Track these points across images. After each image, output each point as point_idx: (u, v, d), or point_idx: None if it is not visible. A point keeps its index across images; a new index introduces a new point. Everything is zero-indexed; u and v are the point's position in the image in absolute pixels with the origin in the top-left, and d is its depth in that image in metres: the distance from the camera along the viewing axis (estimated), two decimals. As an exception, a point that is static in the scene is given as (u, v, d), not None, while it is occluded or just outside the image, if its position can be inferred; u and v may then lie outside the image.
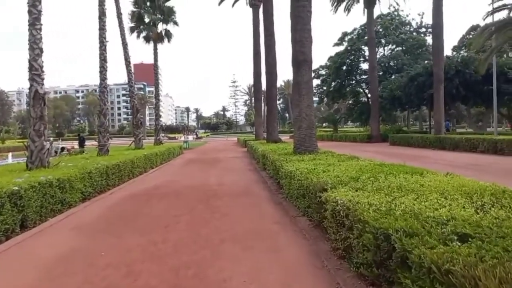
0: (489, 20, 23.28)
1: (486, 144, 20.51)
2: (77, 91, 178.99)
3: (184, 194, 10.91)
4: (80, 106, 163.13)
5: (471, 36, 56.43)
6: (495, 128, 25.36)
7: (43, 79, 10.83)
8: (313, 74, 13.45)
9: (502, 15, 19.48)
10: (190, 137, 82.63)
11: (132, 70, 24.10)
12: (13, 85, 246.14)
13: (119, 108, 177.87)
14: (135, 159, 16.25)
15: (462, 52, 38.64)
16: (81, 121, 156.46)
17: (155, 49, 31.33)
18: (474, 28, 57.84)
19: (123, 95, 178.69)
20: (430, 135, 27.88)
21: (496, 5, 19.54)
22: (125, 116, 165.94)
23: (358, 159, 10.66)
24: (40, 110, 10.58)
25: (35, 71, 10.63)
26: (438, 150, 24.42)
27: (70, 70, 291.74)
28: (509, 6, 18.51)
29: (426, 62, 39.38)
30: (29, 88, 10.78)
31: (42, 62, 10.86)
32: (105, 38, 17.88)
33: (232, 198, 10.06)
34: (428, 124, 46.19)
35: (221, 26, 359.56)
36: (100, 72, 17.77)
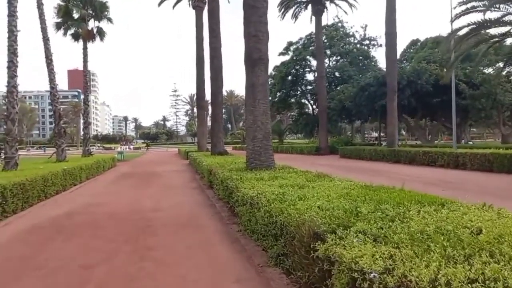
0: (457, 24, 22.53)
1: (447, 158, 19.35)
2: (4, 98, 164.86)
3: (105, 227, 8.08)
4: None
5: (411, 50, 57.82)
6: (454, 141, 24.57)
7: None
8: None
9: (470, 18, 18.75)
10: (125, 148, 77.86)
11: (54, 70, 20.53)
12: None
13: (50, 116, 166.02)
14: (49, 176, 13.01)
15: (404, 65, 38.49)
16: None
17: (85, 48, 27.59)
18: (414, 42, 59.46)
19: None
20: (384, 148, 26.74)
21: (460, 9, 18.68)
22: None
23: (332, 179, 8.51)
24: None
25: None
26: (393, 164, 23.19)
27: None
28: (479, 9, 17.63)
29: (377, 71, 38.84)
30: None
31: None
32: (15, 27, 14.53)
33: (171, 233, 7.41)
34: (371, 136, 45.97)
35: (162, 31, 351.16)
36: (9, 68, 14.36)
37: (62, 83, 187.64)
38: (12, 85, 14.30)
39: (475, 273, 2.61)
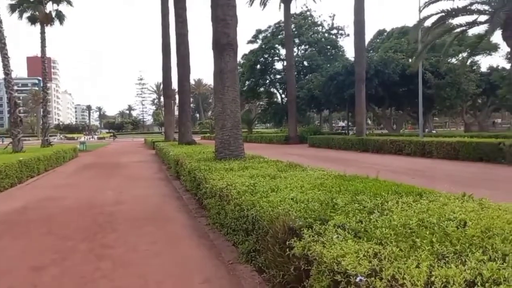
0: (426, 12, 22.55)
1: (413, 147, 19.54)
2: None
3: (61, 223, 7.46)
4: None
5: (378, 40, 58.50)
6: (421, 130, 24.86)
7: None
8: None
9: (439, 7, 18.77)
10: (87, 138, 75.35)
11: (8, 55, 19.21)
12: None
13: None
14: (2, 167, 12.11)
15: (370, 54, 38.77)
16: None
17: (43, 32, 26.01)
18: (381, 32, 60.17)
19: (16, 90, 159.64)
20: (353, 137, 26.83)
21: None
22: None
23: (304, 169, 8.21)
24: None
25: None
26: (361, 153, 23.29)
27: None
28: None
29: (345, 61, 38.90)
30: None
31: None
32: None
33: (134, 228, 6.90)
34: (338, 126, 46.29)
35: (127, 17, 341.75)
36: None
37: (22, 70, 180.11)
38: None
39: (471, 274, 2.32)
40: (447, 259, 2.60)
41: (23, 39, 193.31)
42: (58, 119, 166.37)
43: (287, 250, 3.49)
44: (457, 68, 31.36)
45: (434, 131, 47.06)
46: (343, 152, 24.55)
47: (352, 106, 33.84)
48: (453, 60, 37.76)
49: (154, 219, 7.61)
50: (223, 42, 11.49)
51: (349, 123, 39.79)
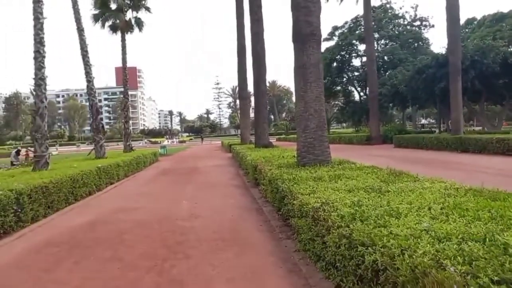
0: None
1: (528, 146, 16.56)
2: (57, 96, 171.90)
3: (129, 243, 6.53)
4: (60, 111, 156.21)
5: (467, 30, 53.29)
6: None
7: None
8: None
9: None
10: (169, 142, 78.28)
11: (90, 63, 19.48)
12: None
13: (101, 113, 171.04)
14: (79, 176, 11.78)
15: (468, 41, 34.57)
16: (62, 127, 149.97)
17: (123, 39, 26.58)
18: (469, 21, 54.77)
19: (105, 99, 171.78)
20: (448, 135, 23.87)
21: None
22: (107, 120, 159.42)
23: (416, 178, 6.52)
24: None
25: None
26: (460, 153, 20.48)
27: (49, 74, 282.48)
28: None
29: (431, 53, 35.36)
30: None
31: None
32: (41, 13, 13.38)
33: (208, 253, 5.71)
34: (419, 124, 42.34)
35: (203, 23, 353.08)
36: (35, 58, 13.23)
37: (111, 80, 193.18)
38: (39, 77, 13.16)
39: None
40: None
41: (112, 50, 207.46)
42: (144, 124, 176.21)
43: None
44: None
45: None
46: (436, 152, 21.83)
47: (442, 101, 30.56)
48: None
49: (232, 240, 6.40)
50: (305, 32, 10.09)
51: (441, 121, 36.09)
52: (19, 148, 27.72)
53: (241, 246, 6.06)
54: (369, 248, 3.24)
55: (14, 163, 21.40)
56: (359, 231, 3.56)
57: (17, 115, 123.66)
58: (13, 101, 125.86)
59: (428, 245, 2.96)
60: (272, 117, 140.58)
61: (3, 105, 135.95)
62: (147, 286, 4.60)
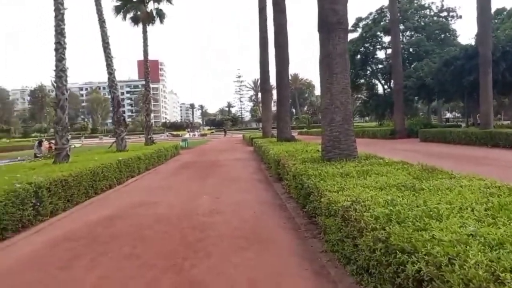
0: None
1: None
2: (81, 89, 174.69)
3: (147, 238, 6.32)
4: (84, 104, 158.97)
5: (496, 21, 51.38)
6: None
7: None
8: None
9: None
10: (190, 135, 78.79)
11: (112, 55, 19.41)
12: (17, 83, 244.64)
13: (123, 106, 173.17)
14: (99, 169, 11.69)
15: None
16: (85, 119, 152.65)
17: (145, 31, 26.52)
18: (499, 12, 52.77)
19: (127, 92, 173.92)
20: (476, 130, 22.99)
21: None
22: (129, 113, 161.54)
23: (451, 175, 6.08)
24: None
25: None
26: (490, 148, 19.66)
27: (73, 67, 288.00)
28: None
29: (459, 45, 34.15)
30: None
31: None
32: (62, 4, 13.31)
33: (229, 252, 5.43)
34: (444, 117, 41.07)
35: (225, 15, 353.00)
36: (56, 50, 13.19)
37: (134, 73, 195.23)
38: (60, 68, 13.10)
39: None
40: None
41: (134, 44, 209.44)
42: (165, 117, 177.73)
43: None
44: None
45: None
46: (464, 147, 21.03)
47: (471, 95, 29.56)
48: None
49: (255, 238, 6.11)
50: (332, 20, 9.65)
51: (470, 115, 34.82)
52: (42, 139, 28.08)
53: (264, 244, 5.76)
54: (412, 256, 2.87)
55: (37, 155, 21.66)
56: (397, 235, 3.20)
57: (42, 108, 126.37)
58: (38, 94, 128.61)
59: (480, 253, 2.59)
60: (293, 110, 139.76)
61: (29, 98, 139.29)
62: (164, 285, 4.34)
